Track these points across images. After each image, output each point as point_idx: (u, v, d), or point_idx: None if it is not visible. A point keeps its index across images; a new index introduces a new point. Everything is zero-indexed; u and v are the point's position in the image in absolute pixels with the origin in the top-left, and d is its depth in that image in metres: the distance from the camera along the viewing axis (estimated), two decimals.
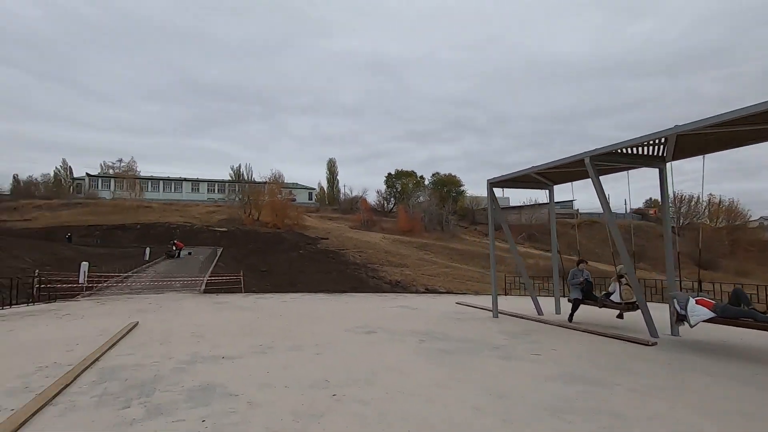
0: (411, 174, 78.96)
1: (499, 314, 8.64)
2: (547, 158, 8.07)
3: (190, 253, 29.87)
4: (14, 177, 73.10)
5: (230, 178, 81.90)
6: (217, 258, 27.11)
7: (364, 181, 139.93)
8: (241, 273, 14.37)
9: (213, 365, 4.59)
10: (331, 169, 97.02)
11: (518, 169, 8.27)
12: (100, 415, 3.12)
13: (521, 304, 10.57)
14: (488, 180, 8.93)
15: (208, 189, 75.71)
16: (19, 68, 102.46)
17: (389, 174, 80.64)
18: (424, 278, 35.12)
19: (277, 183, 62.01)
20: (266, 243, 44.39)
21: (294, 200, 65.24)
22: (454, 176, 78.91)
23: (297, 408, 3.26)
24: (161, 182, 73.82)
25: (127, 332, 6.48)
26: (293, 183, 77.92)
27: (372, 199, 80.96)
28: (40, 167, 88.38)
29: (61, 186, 74.42)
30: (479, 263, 44.78)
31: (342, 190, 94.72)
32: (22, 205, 54.80)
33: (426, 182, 79.67)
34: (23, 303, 10.18)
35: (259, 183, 63.68)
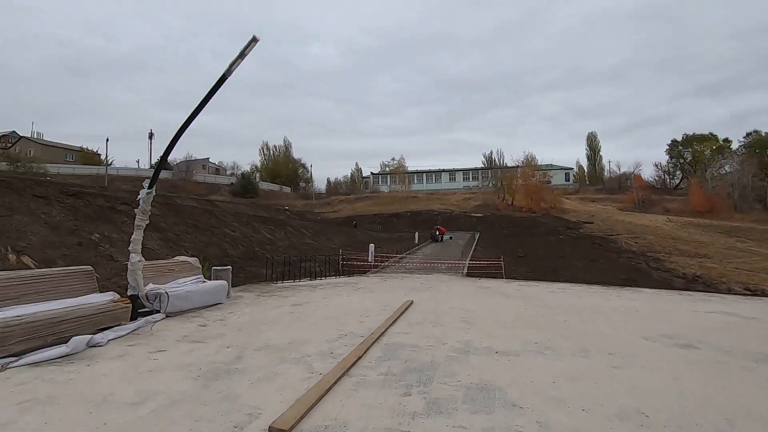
0: (709, 138, 60.58)
1: None
2: None
3: (450, 238, 32.03)
4: (328, 180, 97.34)
5: (483, 165, 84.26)
6: (475, 242, 27.94)
7: (633, 155, 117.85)
8: (502, 258, 13.98)
9: (487, 360, 4.15)
10: (592, 144, 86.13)
11: None
12: (385, 398, 3.08)
13: None
14: None
15: (463, 177, 79.93)
16: (325, 98, 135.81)
17: (674, 141, 64.58)
18: (740, 274, 26.22)
19: (530, 166, 59.39)
20: (521, 227, 43.13)
21: (549, 182, 61.05)
22: None
23: None
24: (424, 174, 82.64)
25: (405, 310, 6.95)
26: (547, 164, 73.00)
27: (648, 174, 66.98)
28: (342, 170, 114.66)
29: (355, 183, 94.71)
30: None
31: (606, 167, 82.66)
32: (332, 201, 72.16)
33: (733, 146, 59.50)
34: (332, 275, 12.82)
35: (511, 168, 62.60)
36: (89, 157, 64.88)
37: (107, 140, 62.14)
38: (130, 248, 5.65)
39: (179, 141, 5.41)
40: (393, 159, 77.26)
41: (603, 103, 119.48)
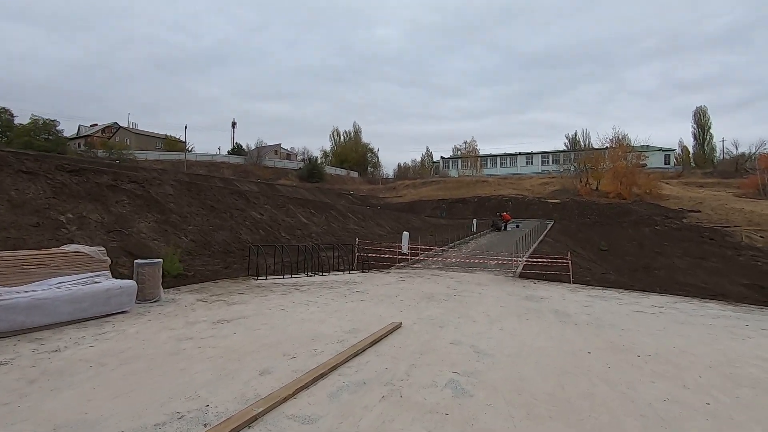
0: None
1: None
2: None
3: (517, 226, 27.94)
4: (398, 165, 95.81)
5: (565, 148, 76.43)
6: (545, 233, 23.75)
7: (754, 133, 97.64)
8: (569, 256, 10.43)
9: None
10: (700, 121, 74.02)
11: None
12: None
13: None
14: None
15: (542, 161, 73.28)
16: (394, 82, 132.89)
17: None
18: None
19: (621, 146, 51.63)
20: (606, 216, 37.14)
21: (644, 165, 52.75)
22: None
23: None
24: (498, 158, 77.22)
25: (374, 342, 4.24)
26: (643, 145, 63.42)
27: None
28: (414, 155, 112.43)
29: (425, 168, 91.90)
30: None
31: (719, 148, 70.50)
32: (397, 185, 69.83)
33: None
34: (341, 271, 10.36)
35: (599, 149, 55.22)
36: (172, 143, 69.33)
37: (185, 128, 65.83)
38: None
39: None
40: (465, 142, 72.95)
41: (712, 73, 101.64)
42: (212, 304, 5.82)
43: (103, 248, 5.69)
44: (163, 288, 7.02)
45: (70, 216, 9.41)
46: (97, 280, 5.02)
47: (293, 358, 3.73)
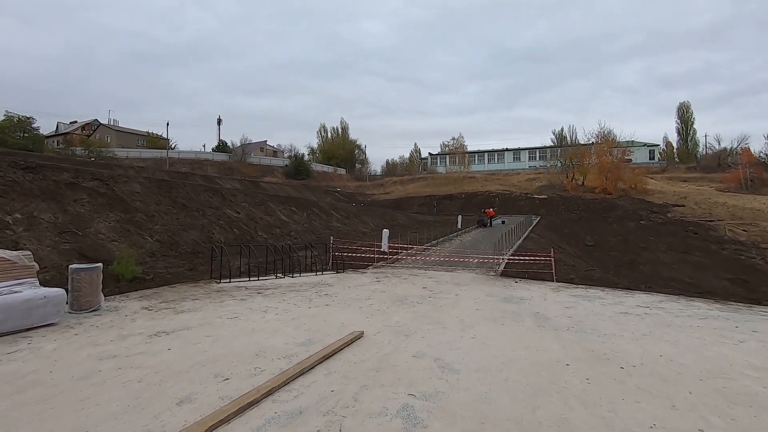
0: None
1: None
2: None
3: (503, 222, 27.66)
4: (387, 161, 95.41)
5: (552, 144, 76.62)
6: (530, 228, 23.48)
7: (734, 128, 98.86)
8: (552, 253, 10.05)
9: None
10: (683, 116, 74.80)
11: None
12: None
13: None
14: None
15: (529, 157, 73.33)
16: (379, 76, 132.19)
17: None
18: None
19: (606, 142, 51.79)
20: (592, 211, 37.12)
21: (629, 160, 53.03)
22: None
23: None
24: (486, 154, 77.20)
25: (327, 357, 3.75)
26: (628, 141, 63.83)
27: (756, 149, 55.98)
28: (403, 151, 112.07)
29: (413, 165, 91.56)
30: None
31: (702, 143, 71.34)
32: (384, 182, 69.34)
33: None
34: (313, 272, 9.83)
35: (585, 145, 55.35)
36: (154, 141, 67.74)
37: (167, 124, 64.44)
38: None
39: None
40: (453, 139, 72.68)
41: (694, 69, 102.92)
42: (158, 313, 5.26)
43: (29, 252, 5.08)
44: (115, 294, 6.47)
45: (18, 216, 8.71)
46: (17, 288, 4.43)
47: (226, 380, 3.21)
